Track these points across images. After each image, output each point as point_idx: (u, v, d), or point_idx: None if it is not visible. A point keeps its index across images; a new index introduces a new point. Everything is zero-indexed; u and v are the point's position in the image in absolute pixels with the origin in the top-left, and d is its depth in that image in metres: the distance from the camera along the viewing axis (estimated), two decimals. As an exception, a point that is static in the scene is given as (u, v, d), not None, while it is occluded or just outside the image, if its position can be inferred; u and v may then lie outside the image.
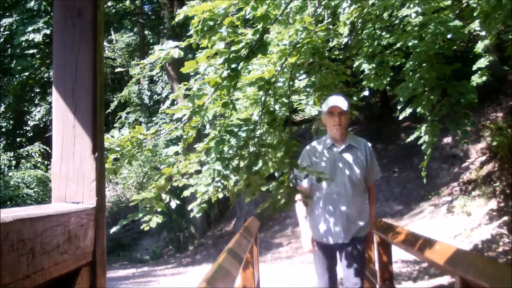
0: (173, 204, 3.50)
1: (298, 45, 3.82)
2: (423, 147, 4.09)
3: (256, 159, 3.09)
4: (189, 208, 3.70)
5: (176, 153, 3.68)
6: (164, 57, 3.19)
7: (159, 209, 3.47)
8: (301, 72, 4.02)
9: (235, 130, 3.18)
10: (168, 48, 3.17)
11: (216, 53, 3.18)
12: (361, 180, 3.13)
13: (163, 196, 3.47)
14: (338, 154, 3.13)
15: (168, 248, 13.50)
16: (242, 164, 3.14)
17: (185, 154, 3.60)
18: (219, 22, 3.10)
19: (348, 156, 3.13)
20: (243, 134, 3.13)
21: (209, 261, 10.49)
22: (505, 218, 7.24)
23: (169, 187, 3.54)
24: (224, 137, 3.16)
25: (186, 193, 3.61)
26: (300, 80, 4.15)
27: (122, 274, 10.34)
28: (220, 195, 3.49)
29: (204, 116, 3.44)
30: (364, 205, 3.20)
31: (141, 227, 3.65)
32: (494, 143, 8.33)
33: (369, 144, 3.25)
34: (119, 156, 3.35)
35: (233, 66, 2.96)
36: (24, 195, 12.37)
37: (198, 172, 3.70)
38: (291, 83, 3.92)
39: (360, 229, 3.17)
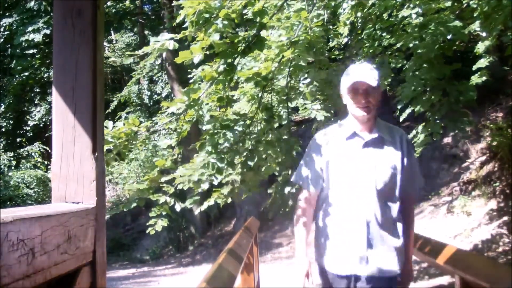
0: (178, 207, 3.50)
1: (293, 39, 3.80)
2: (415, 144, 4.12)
3: (252, 154, 3.08)
4: (195, 212, 3.70)
5: (170, 147, 3.66)
6: (159, 48, 3.18)
7: (164, 213, 3.47)
8: (305, 76, 4.01)
9: (231, 125, 3.17)
10: (163, 40, 3.16)
11: (211, 45, 3.15)
12: (393, 189, 2.12)
13: (168, 199, 3.47)
14: (361, 148, 2.12)
15: (168, 248, 13.49)
16: (237, 160, 3.13)
17: (179, 148, 3.59)
18: (214, 15, 3.09)
19: (376, 153, 2.11)
20: (239, 129, 3.12)
21: (209, 261, 10.48)
22: (505, 218, 7.23)
23: (173, 190, 3.53)
24: (219, 131, 3.15)
25: (179, 182, 3.55)
26: (304, 83, 4.14)
27: (122, 274, 10.34)
28: (229, 200, 3.49)
29: (199, 110, 3.43)
30: (397, 228, 2.14)
31: (147, 231, 3.64)
32: (494, 143, 8.32)
33: (408, 137, 2.25)
34: (112, 148, 3.33)
35: (229, 60, 2.95)
36: (24, 195, 12.36)
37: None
38: (288, 79, 3.91)
39: (389, 263, 2.10)
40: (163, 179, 3.48)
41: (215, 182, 3.38)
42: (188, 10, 3.18)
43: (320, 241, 2.19)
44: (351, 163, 2.12)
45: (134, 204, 3.39)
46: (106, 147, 3.27)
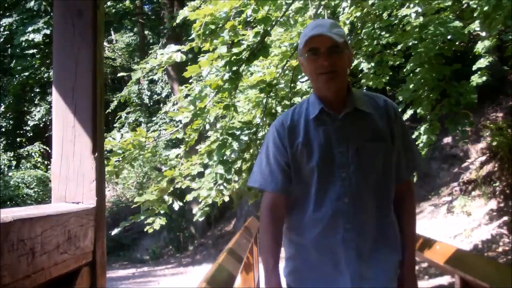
0: (176, 205, 3.52)
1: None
2: (419, 146, 4.11)
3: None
4: (194, 211, 3.74)
5: (178, 156, 3.71)
6: (166, 61, 3.22)
7: (162, 211, 3.50)
8: (303, 74, 4.04)
9: (237, 133, 3.19)
10: (170, 52, 3.19)
11: (218, 56, 3.20)
12: (382, 177, 1.59)
13: (166, 197, 3.49)
14: (334, 129, 1.59)
15: (168, 248, 13.51)
16: (244, 166, 3.15)
17: (186, 157, 3.63)
18: (220, 25, 3.12)
19: (354, 132, 1.58)
20: (245, 138, 3.14)
21: (209, 261, 10.49)
22: (505, 218, 7.24)
23: (171, 189, 3.56)
24: (226, 141, 3.18)
25: (189, 197, 3.64)
26: (302, 82, 4.16)
27: (122, 274, 10.35)
28: (226, 198, 3.51)
29: (205, 119, 3.46)
30: (390, 227, 1.63)
31: (145, 229, 3.66)
32: (494, 143, 8.33)
33: (395, 105, 1.69)
34: (120, 158, 3.37)
35: (234, 68, 2.98)
36: (24, 195, 12.37)
37: (201, 174, 3.73)
38: (292, 85, 3.93)
39: (386, 275, 1.60)
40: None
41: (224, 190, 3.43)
42: (191, 15, 3.20)
43: (294, 259, 1.67)
44: (320, 150, 1.57)
45: (145, 215, 3.42)
46: (114, 159, 3.30)
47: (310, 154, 1.59)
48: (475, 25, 4.46)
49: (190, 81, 4.07)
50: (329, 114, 1.60)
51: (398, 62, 4.62)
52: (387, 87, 8.82)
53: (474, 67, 5.00)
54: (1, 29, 14.74)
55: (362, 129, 1.60)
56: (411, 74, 4.13)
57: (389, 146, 1.60)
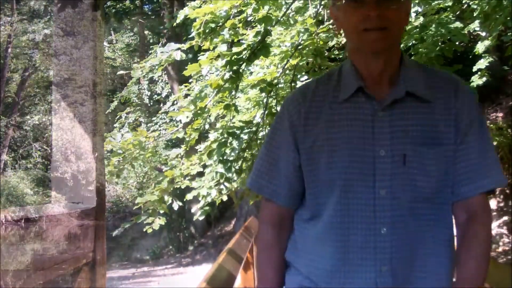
0: (176, 205, 3.53)
1: (300, 47, 3.83)
2: None
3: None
4: (193, 210, 3.76)
5: (178, 156, 3.71)
6: (166, 60, 3.23)
7: (161, 211, 3.50)
8: (303, 73, 4.05)
9: (237, 132, 3.20)
10: (170, 51, 3.20)
11: (218, 55, 3.21)
12: (438, 197, 1.05)
13: (166, 197, 3.50)
14: (374, 121, 1.03)
15: (168, 248, 13.51)
16: (244, 166, 3.15)
17: (187, 157, 3.64)
18: (220, 24, 3.13)
19: (403, 129, 1.02)
20: (245, 137, 3.15)
21: (209, 261, 10.49)
22: (505, 218, 7.24)
23: (171, 189, 3.57)
24: (226, 140, 3.18)
25: (189, 196, 3.64)
26: (302, 81, 4.17)
27: (122, 274, 10.35)
28: (225, 198, 3.52)
29: (206, 118, 3.47)
30: (445, 271, 1.06)
31: (144, 229, 3.66)
32: (494, 143, 8.34)
33: (471, 92, 1.16)
34: (121, 159, 3.37)
35: (234, 68, 2.98)
36: (24, 195, 12.39)
37: (200, 174, 3.73)
38: (293, 84, 3.93)
39: None
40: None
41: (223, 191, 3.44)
42: (191, 14, 3.21)
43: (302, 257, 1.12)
44: (352, 152, 1.04)
45: (146, 216, 3.43)
46: (115, 159, 3.30)
47: (333, 156, 1.05)
48: (475, 25, 4.46)
49: (190, 80, 4.07)
50: (369, 97, 1.05)
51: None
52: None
53: (474, 68, 5.00)
54: (1, 29, 14.76)
55: (414, 126, 1.04)
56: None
57: (450, 152, 1.05)
